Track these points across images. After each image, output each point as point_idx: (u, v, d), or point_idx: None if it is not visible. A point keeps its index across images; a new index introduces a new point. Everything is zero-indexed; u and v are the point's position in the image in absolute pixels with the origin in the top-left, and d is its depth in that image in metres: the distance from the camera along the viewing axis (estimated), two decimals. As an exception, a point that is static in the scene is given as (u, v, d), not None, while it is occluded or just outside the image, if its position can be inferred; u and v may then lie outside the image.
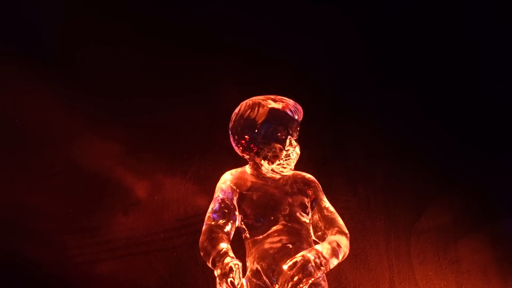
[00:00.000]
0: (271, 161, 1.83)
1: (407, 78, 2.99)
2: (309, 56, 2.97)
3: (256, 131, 1.84)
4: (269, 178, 1.87)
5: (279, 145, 1.82)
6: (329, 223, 1.87)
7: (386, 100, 2.93)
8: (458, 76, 3.01)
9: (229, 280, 1.53)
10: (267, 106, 1.82)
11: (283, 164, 1.84)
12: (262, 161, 1.84)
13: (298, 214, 1.84)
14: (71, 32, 2.83)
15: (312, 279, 1.61)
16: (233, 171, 1.96)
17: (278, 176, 1.87)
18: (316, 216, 1.87)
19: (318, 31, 3.03)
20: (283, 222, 1.81)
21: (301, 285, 1.58)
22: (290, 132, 1.83)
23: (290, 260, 1.61)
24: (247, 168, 1.94)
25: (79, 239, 2.69)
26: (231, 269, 1.55)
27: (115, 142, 2.85)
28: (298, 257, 1.61)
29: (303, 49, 2.98)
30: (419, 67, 3.04)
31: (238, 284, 1.54)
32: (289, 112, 1.83)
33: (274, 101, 1.85)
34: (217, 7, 2.93)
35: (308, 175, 1.96)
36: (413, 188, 2.92)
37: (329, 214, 1.90)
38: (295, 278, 1.58)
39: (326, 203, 1.91)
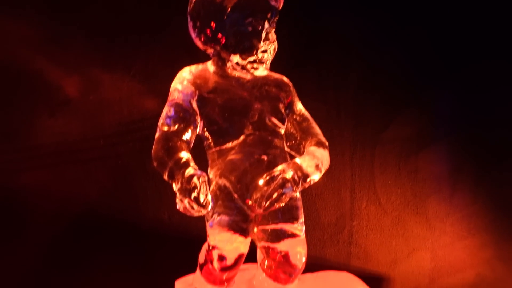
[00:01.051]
0: (242, 56, 1.07)
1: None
2: None
3: (225, 17, 1.05)
4: (236, 78, 1.12)
5: (254, 37, 1.06)
6: (306, 132, 1.19)
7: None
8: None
9: (193, 195, 0.94)
10: None
11: (258, 61, 1.08)
12: (232, 56, 1.09)
13: (270, 121, 1.12)
14: None
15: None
16: (193, 67, 1.15)
17: (248, 76, 1.13)
18: (290, 124, 1.17)
19: None
20: (254, 130, 1.10)
21: (279, 203, 1.01)
22: (268, 22, 1.06)
23: (268, 175, 1.02)
24: (209, 65, 1.16)
25: None
26: (195, 182, 0.94)
27: (32, 24, 1.42)
28: (276, 172, 1.03)
29: None
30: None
31: (204, 201, 0.95)
32: None
33: None
34: None
35: (281, 77, 1.19)
36: (384, 98, 1.84)
37: (306, 121, 1.20)
38: (274, 195, 1.01)
39: (301, 109, 1.20)
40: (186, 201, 0.95)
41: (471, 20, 1.94)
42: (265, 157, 1.12)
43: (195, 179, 0.95)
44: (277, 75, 1.23)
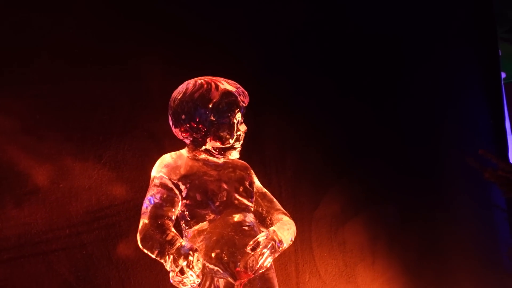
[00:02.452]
0: (221, 143, 1.25)
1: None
2: (236, 39, 2.00)
3: (207, 111, 1.22)
4: (207, 161, 1.28)
5: (231, 128, 1.25)
6: (270, 206, 1.35)
7: (297, 101, 2.22)
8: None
9: (188, 271, 1.03)
10: (221, 87, 1.23)
11: (234, 145, 1.26)
12: (211, 143, 1.26)
13: (244, 198, 1.27)
14: None
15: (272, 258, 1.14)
16: (172, 154, 1.29)
17: (221, 161, 1.29)
18: (254, 201, 1.30)
19: (245, 15, 2.05)
20: (232, 207, 1.24)
21: (265, 266, 1.14)
22: (241, 115, 1.26)
23: (253, 242, 1.14)
24: (184, 152, 1.31)
25: None
26: (189, 258, 1.03)
27: (7, 114, 1.46)
28: (260, 238, 1.15)
29: (229, 29, 1.99)
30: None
31: (199, 274, 1.04)
32: (241, 95, 1.26)
33: (228, 83, 1.26)
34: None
35: (242, 161, 1.35)
36: (314, 180, 2.24)
37: (266, 197, 1.36)
38: (265, 255, 1.14)
39: (261, 187, 1.36)
40: (179, 274, 1.06)
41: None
42: (246, 227, 1.28)
43: (189, 253, 1.04)
44: (239, 160, 1.43)
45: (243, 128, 1.33)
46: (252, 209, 1.35)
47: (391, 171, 2.40)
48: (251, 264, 1.13)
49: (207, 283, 1.15)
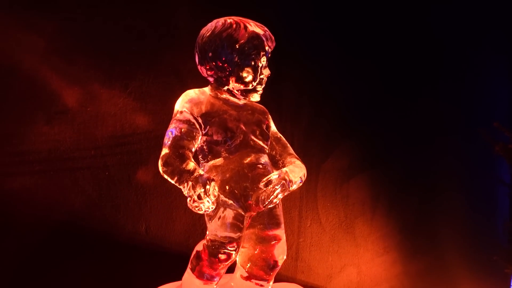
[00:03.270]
0: (244, 83, 1.26)
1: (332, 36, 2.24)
2: None
3: (234, 51, 1.23)
4: (228, 101, 1.30)
5: (255, 70, 1.25)
6: (283, 150, 1.39)
7: (316, 57, 2.20)
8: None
9: (205, 197, 1.09)
10: (249, 29, 1.23)
11: (256, 88, 1.28)
12: (234, 83, 1.26)
13: (259, 140, 1.30)
14: None
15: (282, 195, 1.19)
16: (196, 90, 1.30)
17: (241, 102, 1.31)
18: (270, 143, 1.33)
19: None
20: (248, 147, 1.27)
21: (275, 202, 1.20)
22: (266, 59, 1.26)
23: (266, 179, 1.20)
24: (207, 90, 1.31)
25: None
26: (206, 186, 1.07)
27: (40, 34, 1.49)
28: (272, 176, 1.21)
29: None
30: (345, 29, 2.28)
31: (214, 201, 1.09)
32: (268, 39, 1.26)
33: (256, 25, 1.25)
34: None
35: (261, 106, 1.38)
36: (326, 134, 2.27)
37: (280, 141, 1.40)
38: (276, 191, 1.19)
39: (276, 131, 1.40)
40: (196, 200, 1.12)
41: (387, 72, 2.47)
42: (260, 166, 1.32)
43: (207, 182, 1.08)
44: (257, 104, 1.46)
45: (266, 72, 1.34)
46: (267, 151, 1.38)
47: (398, 136, 2.43)
48: (262, 198, 1.18)
49: (220, 211, 1.19)
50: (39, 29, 1.41)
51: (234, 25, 1.27)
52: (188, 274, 1.30)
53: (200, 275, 1.26)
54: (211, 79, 1.35)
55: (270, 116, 1.44)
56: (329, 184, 2.25)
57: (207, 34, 1.29)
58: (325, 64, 2.24)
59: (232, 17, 1.31)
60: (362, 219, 2.37)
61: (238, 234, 1.23)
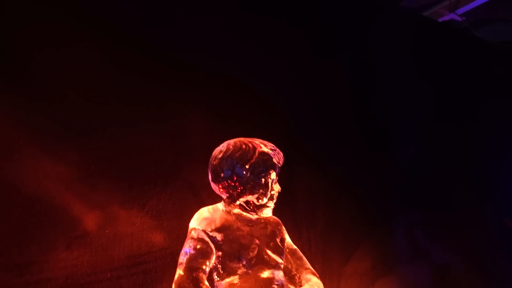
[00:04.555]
0: (256, 199, 1.30)
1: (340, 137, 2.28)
2: (273, 97, 2.08)
3: (245, 171, 1.29)
4: (241, 216, 1.32)
5: (265, 187, 1.30)
6: (299, 264, 1.38)
7: (327, 155, 2.24)
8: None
9: None
10: (258, 149, 1.30)
11: (268, 203, 1.31)
12: (246, 200, 1.30)
13: (275, 255, 1.30)
14: (26, 33, 1.53)
15: None
16: (210, 208, 1.33)
17: (254, 217, 1.33)
18: (284, 257, 1.31)
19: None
20: (262, 263, 1.27)
21: None
22: (275, 175, 1.31)
23: None
24: (220, 206, 1.35)
25: (4, 279, 1.39)
26: None
27: (66, 163, 1.59)
28: None
29: (264, 90, 2.06)
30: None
31: None
32: (276, 157, 1.33)
33: (264, 145, 1.33)
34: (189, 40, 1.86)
35: (274, 217, 1.39)
36: (344, 235, 2.19)
37: (296, 254, 1.38)
38: None
39: (291, 243, 1.38)
40: None
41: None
42: (275, 285, 1.29)
43: None
44: (271, 216, 1.47)
45: (277, 187, 1.38)
46: (282, 266, 1.36)
47: (421, 232, 2.33)
48: None
49: None
50: (67, 159, 1.50)
51: (244, 146, 1.35)
52: None
53: None
54: (224, 196, 1.39)
55: (283, 228, 1.44)
56: (353, 289, 2.12)
57: (220, 156, 1.36)
58: (337, 162, 2.26)
59: (242, 139, 1.39)
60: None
61: None
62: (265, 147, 1.36)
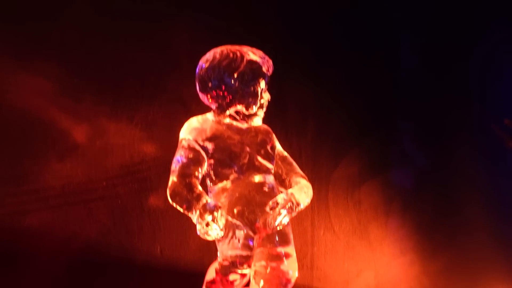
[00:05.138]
0: (246, 108, 1.28)
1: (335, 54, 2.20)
2: (262, 6, 1.96)
3: (233, 80, 1.24)
4: (231, 126, 1.31)
5: (255, 95, 1.27)
6: (289, 169, 1.37)
7: (319, 66, 2.18)
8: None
9: (213, 225, 1.10)
10: (247, 57, 1.24)
11: (257, 112, 1.29)
12: (235, 109, 1.28)
13: (265, 161, 1.30)
14: None
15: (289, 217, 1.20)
16: (199, 117, 1.31)
17: (244, 126, 1.30)
18: (275, 163, 1.32)
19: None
20: (253, 168, 1.27)
21: (282, 224, 1.20)
22: (264, 84, 1.27)
23: (272, 202, 1.20)
24: (209, 116, 1.32)
25: (2, 188, 1.47)
26: (214, 213, 1.09)
27: (48, 77, 1.54)
28: (279, 199, 1.21)
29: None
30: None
31: (222, 227, 1.11)
32: (265, 65, 1.27)
33: (253, 53, 1.26)
34: None
35: (265, 126, 1.37)
36: (334, 143, 2.24)
37: (286, 160, 1.38)
38: (283, 214, 1.20)
39: (282, 151, 1.38)
40: (205, 227, 1.13)
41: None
42: (266, 188, 1.32)
43: (214, 210, 1.13)
44: (261, 125, 1.44)
45: (266, 96, 1.34)
46: (273, 171, 1.38)
47: (409, 136, 2.37)
48: (269, 222, 1.19)
49: (230, 234, 1.19)
50: (46, 72, 1.45)
51: (232, 54, 1.28)
52: (202, 296, 1.29)
53: (215, 297, 1.25)
54: (213, 106, 1.36)
55: (274, 136, 1.44)
56: (340, 193, 2.24)
57: (206, 65, 1.30)
58: (329, 73, 2.20)
59: (229, 46, 1.31)
60: (376, 223, 2.34)
61: (248, 253, 1.24)
62: (253, 54, 1.29)
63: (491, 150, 2.66)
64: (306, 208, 2.10)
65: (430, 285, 2.53)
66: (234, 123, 1.34)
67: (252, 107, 1.31)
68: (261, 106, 1.34)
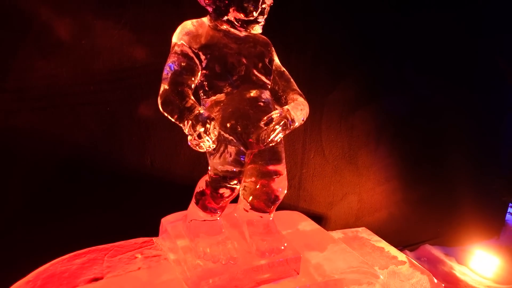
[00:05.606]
0: (245, 13, 1.16)
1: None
2: None
3: None
4: (228, 32, 1.20)
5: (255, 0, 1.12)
6: (286, 85, 1.30)
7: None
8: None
9: (205, 136, 1.05)
10: None
11: (258, 18, 1.17)
12: (234, 13, 1.16)
13: (261, 75, 1.23)
14: None
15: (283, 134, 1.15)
16: (194, 21, 1.20)
17: (242, 34, 1.22)
18: (272, 78, 1.25)
19: None
20: (249, 82, 1.20)
21: (276, 140, 1.16)
22: None
23: (267, 117, 1.15)
24: (206, 20, 1.21)
25: None
26: (206, 124, 1.04)
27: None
28: (274, 114, 1.16)
29: None
30: None
31: (214, 139, 1.05)
32: None
33: None
34: None
35: (264, 37, 1.27)
36: (332, 65, 2.15)
37: (284, 76, 1.31)
38: (277, 130, 1.15)
39: (280, 65, 1.30)
40: (197, 138, 1.08)
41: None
42: (261, 103, 1.26)
43: (207, 121, 1.04)
44: (260, 36, 1.35)
45: (268, 1, 1.23)
46: (269, 86, 1.32)
47: (404, 66, 2.30)
48: (263, 137, 1.15)
49: (221, 149, 1.16)
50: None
51: None
52: (192, 206, 1.33)
53: (204, 208, 1.29)
54: (209, 9, 1.24)
55: (273, 49, 1.35)
56: (334, 116, 2.20)
57: None
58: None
59: None
60: (366, 150, 2.35)
61: (239, 169, 1.22)
62: None
63: (487, 85, 2.62)
64: (299, 130, 2.11)
65: (409, 211, 2.65)
66: (232, 30, 1.24)
67: (252, 12, 1.20)
68: (262, 12, 1.22)
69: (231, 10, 1.20)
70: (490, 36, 2.55)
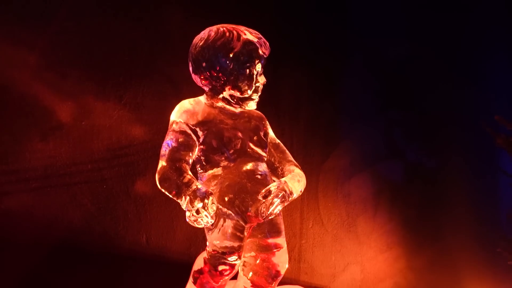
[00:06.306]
0: (240, 91, 1.23)
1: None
2: None
3: (228, 60, 1.19)
4: (224, 109, 1.26)
5: (250, 78, 1.22)
6: (282, 157, 1.34)
7: (313, 54, 2.17)
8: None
9: (203, 212, 1.07)
10: (243, 37, 1.20)
11: (252, 96, 1.25)
12: (230, 92, 1.23)
13: (257, 148, 1.27)
14: None
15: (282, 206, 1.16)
16: (191, 100, 1.27)
17: (238, 110, 1.27)
18: (267, 151, 1.29)
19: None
20: (245, 155, 1.24)
21: (275, 213, 1.16)
22: (260, 66, 1.22)
23: (265, 190, 1.16)
24: (202, 99, 1.28)
25: None
26: (205, 200, 1.05)
27: (32, 49, 1.45)
28: (272, 187, 1.17)
29: None
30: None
31: (212, 215, 1.07)
32: (262, 46, 1.22)
33: (250, 33, 1.21)
34: None
35: (258, 112, 1.34)
36: (326, 133, 2.24)
37: (279, 148, 1.35)
38: (275, 203, 1.15)
39: (274, 138, 1.35)
40: (195, 214, 1.10)
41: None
42: (258, 176, 1.29)
43: (205, 196, 1.06)
44: (255, 111, 1.41)
45: (262, 79, 1.30)
46: (265, 159, 1.35)
47: (399, 131, 2.39)
48: (261, 211, 1.15)
49: (220, 224, 1.16)
50: (29, 44, 1.37)
51: (228, 34, 1.23)
52: (190, 286, 1.29)
53: (202, 287, 1.23)
54: (206, 88, 1.31)
55: (267, 122, 1.41)
56: (330, 184, 2.23)
57: (200, 44, 1.25)
58: (323, 63, 2.19)
59: (225, 25, 1.27)
60: (364, 217, 2.34)
61: (239, 244, 1.21)
62: (250, 34, 1.24)
63: (479, 148, 2.71)
64: (296, 200, 2.10)
65: (415, 279, 2.57)
66: (227, 106, 1.30)
67: (247, 90, 1.27)
68: (256, 90, 1.29)
69: (226, 89, 1.27)
70: (473, 98, 2.70)
